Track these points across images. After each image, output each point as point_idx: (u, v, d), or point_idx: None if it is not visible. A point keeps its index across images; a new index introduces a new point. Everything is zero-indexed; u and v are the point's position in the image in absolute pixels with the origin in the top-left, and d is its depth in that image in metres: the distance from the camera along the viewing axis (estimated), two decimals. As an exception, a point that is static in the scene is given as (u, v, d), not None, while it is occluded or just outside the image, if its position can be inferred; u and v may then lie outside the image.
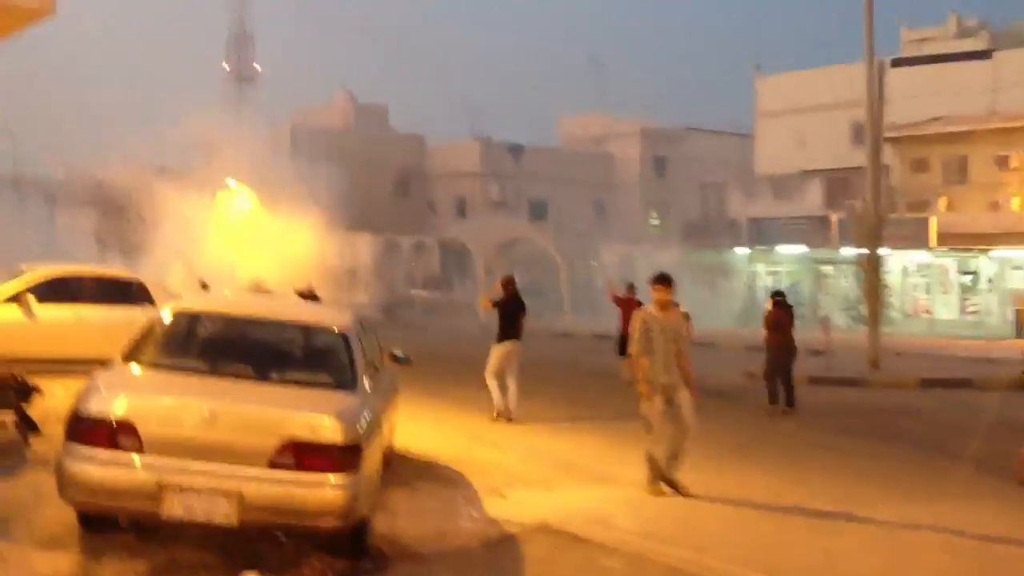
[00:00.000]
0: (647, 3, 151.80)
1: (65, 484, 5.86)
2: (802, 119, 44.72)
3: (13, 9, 8.23)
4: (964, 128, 38.93)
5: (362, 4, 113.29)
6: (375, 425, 6.64)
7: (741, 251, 43.08)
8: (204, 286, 19.73)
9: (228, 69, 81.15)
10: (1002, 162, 38.65)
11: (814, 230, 39.58)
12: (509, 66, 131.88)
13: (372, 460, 6.39)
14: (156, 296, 14.06)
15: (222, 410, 5.85)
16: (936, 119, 40.27)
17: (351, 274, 39.24)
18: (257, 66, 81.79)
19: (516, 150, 50.17)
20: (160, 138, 48.84)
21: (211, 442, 5.75)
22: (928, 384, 19.74)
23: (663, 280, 9.08)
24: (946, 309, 38.50)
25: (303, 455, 5.77)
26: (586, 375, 20.87)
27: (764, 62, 66.49)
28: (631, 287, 18.60)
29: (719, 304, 38.51)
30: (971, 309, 38.23)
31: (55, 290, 13.41)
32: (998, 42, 42.00)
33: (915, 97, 39.07)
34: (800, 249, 40.94)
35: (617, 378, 14.20)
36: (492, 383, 13.36)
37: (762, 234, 41.91)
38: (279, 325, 7.48)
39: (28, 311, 13.14)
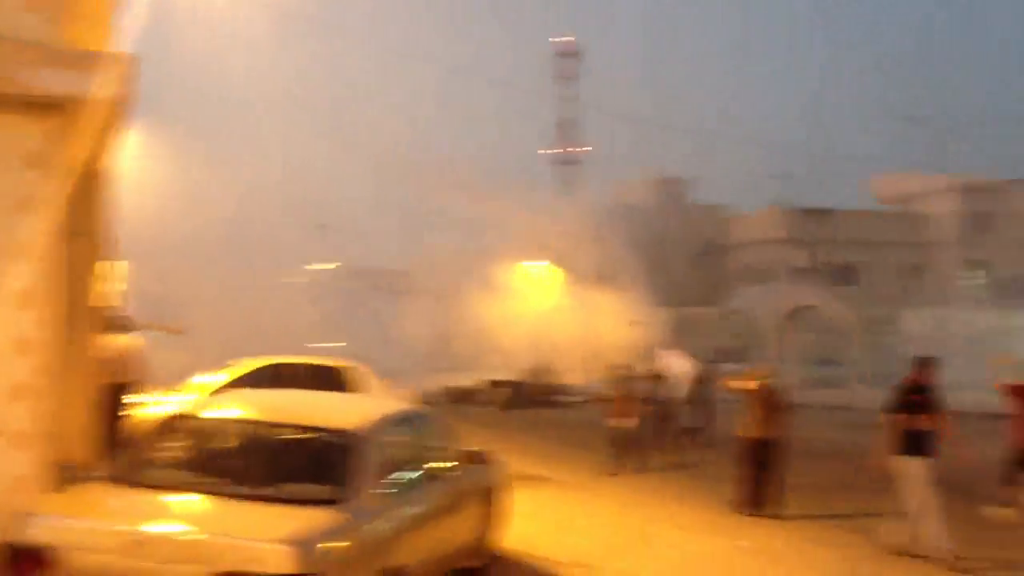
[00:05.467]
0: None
1: None
2: None
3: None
4: None
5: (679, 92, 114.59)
6: (376, 544, 5.78)
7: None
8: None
9: (557, 150, 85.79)
10: None
11: None
12: (820, 133, 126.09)
13: None
14: (366, 386, 14.13)
15: (148, 538, 5.19)
16: None
17: (648, 350, 39.90)
18: (579, 150, 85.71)
19: (819, 214, 48.90)
20: (481, 221, 52.39)
21: (138, 574, 5.07)
22: None
23: None
24: None
25: None
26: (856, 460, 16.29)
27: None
28: None
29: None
30: None
31: (270, 379, 13.31)
32: None
33: None
34: None
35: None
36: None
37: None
38: (282, 429, 6.57)
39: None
